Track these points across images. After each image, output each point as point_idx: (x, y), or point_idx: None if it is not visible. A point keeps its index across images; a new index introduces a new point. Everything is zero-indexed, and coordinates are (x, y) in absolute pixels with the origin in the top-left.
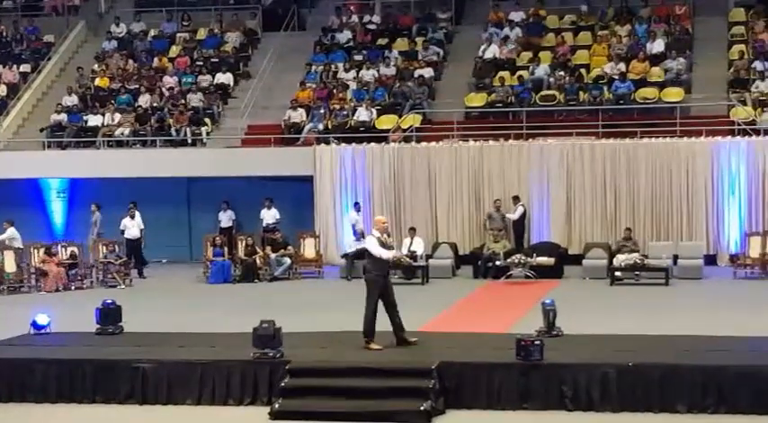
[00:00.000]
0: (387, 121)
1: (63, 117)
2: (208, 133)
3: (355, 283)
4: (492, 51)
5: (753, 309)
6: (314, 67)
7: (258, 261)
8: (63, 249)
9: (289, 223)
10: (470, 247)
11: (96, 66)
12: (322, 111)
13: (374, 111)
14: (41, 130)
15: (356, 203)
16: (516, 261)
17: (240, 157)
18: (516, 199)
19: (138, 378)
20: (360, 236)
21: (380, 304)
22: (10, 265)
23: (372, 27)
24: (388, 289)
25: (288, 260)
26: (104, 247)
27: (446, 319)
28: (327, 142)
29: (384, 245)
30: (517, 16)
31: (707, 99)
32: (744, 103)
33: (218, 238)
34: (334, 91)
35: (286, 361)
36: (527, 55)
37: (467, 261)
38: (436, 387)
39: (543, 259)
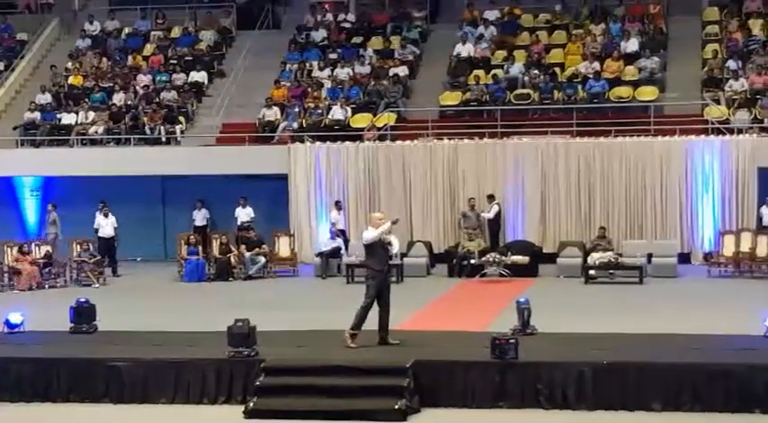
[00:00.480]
0: (361, 120)
1: (36, 115)
2: (182, 131)
3: (330, 281)
4: (467, 50)
5: (727, 307)
6: (288, 66)
7: (233, 260)
8: (36, 248)
9: (263, 222)
10: (445, 246)
11: (70, 64)
12: (297, 109)
13: (349, 109)
14: (15, 129)
15: (337, 202)
16: (491, 260)
17: (215, 155)
18: (491, 197)
19: (113, 377)
20: (335, 235)
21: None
22: None
23: (347, 25)
24: (386, 287)
25: (262, 259)
26: (78, 246)
27: (421, 317)
28: (302, 141)
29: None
30: (492, 15)
31: (681, 98)
32: (717, 102)
33: (192, 237)
34: (309, 89)
35: (261, 359)
36: (501, 53)
37: (441, 259)
38: (411, 385)
39: (518, 258)
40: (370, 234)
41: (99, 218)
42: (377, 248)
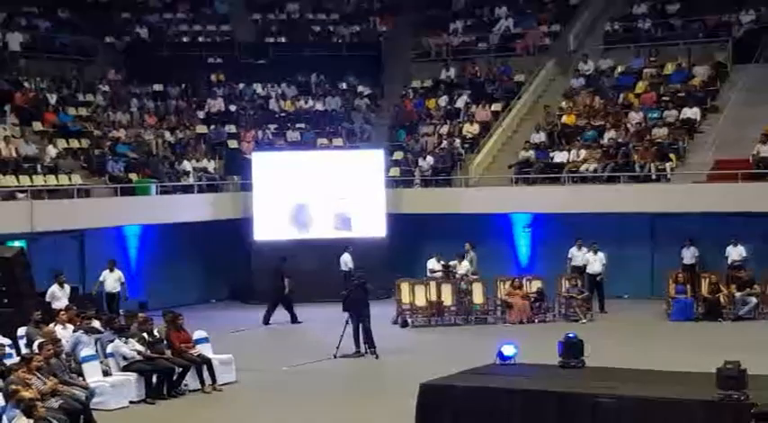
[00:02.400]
0: None
1: (530, 153)
2: (672, 169)
3: None
4: None
5: None
6: None
7: (722, 299)
8: (528, 283)
9: (755, 261)
10: None
11: (564, 103)
12: None
13: None
14: (510, 167)
15: None
16: None
17: (704, 192)
18: None
19: (598, 413)
20: None
21: None
22: (478, 297)
23: None
24: None
25: (754, 299)
26: (567, 282)
27: None
28: None
29: None
30: None
31: None
32: None
33: (680, 275)
34: None
35: (752, 404)
36: None
37: None
38: None
39: None
40: None
41: (587, 254)
42: None
